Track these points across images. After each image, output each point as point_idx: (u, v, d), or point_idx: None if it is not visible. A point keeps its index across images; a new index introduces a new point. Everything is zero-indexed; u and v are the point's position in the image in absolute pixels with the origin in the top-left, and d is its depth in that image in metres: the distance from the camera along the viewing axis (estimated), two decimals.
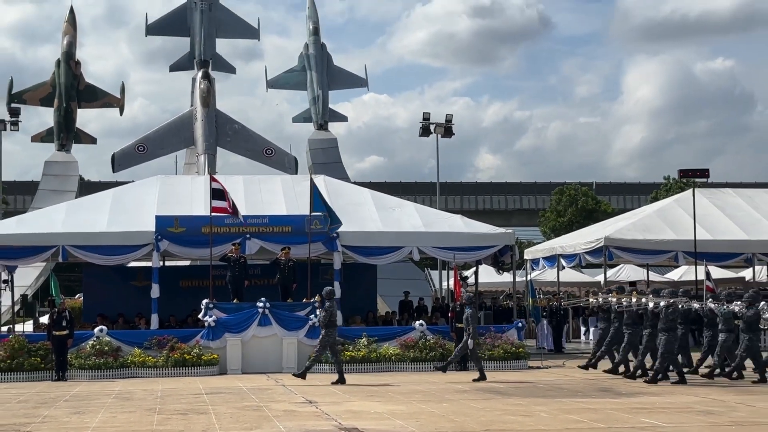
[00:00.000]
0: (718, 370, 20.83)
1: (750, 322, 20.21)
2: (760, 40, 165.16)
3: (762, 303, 21.17)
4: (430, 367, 23.87)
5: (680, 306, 20.79)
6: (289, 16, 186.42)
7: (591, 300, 24.86)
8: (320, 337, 21.27)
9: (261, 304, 24.53)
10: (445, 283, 38.93)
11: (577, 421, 13.86)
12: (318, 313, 21.75)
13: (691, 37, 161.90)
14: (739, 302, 20.66)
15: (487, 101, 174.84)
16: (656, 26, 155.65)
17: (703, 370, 21.27)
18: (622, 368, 21.64)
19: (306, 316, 24.55)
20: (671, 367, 20.25)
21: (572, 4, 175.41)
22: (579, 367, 23.04)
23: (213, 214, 24.80)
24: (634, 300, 21.25)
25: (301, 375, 21.01)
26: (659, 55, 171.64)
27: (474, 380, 20.80)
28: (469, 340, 21.59)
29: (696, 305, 21.55)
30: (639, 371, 20.79)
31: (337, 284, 25.74)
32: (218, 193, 24.67)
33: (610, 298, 22.15)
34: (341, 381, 20.55)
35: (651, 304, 20.63)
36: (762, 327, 21.48)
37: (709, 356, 21.48)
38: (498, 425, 13.53)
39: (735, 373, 20.51)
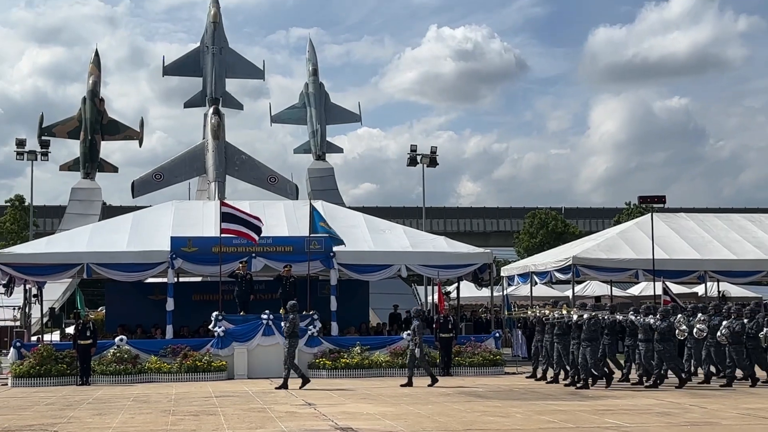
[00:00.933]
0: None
1: (663, 332, 20.10)
2: (711, 81, 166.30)
3: (679, 316, 21.10)
4: (418, 373, 23.73)
5: (602, 318, 20.61)
6: (291, 59, 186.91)
7: (529, 313, 24.74)
8: (286, 347, 20.98)
9: (265, 316, 24.51)
10: (430, 298, 38.83)
11: (549, 422, 13.83)
12: (283, 324, 21.43)
13: (650, 78, 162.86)
14: (653, 315, 20.55)
15: (469, 134, 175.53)
16: (619, 68, 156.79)
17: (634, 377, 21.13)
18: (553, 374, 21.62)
19: (305, 327, 24.51)
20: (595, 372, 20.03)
21: (545, 49, 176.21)
22: (526, 377, 22.94)
23: (222, 235, 24.78)
24: (565, 312, 21.15)
25: (282, 386, 20.53)
26: (622, 94, 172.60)
27: (429, 385, 20.54)
28: (416, 349, 21.25)
29: (619, 317, 21.24)
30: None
31: (333, 298, 25.81)
32: (228, 216, 24.69)
33: (544, 311, 22.05)
34: (306, 382, 20.40)
35: (575, 317, 20.54)
36: (679, 337, 21.35)
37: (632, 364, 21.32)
38: (478, 425, 13.50)
39: (658, 380, 20.30)
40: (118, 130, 50.61)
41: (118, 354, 23.67)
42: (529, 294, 35.42)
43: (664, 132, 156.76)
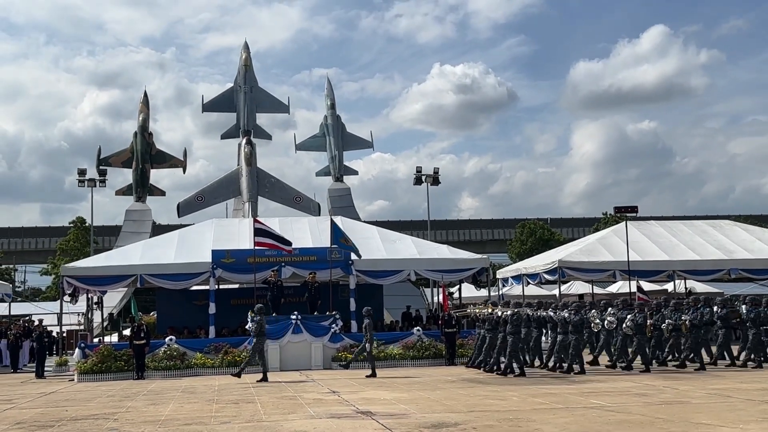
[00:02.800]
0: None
1: (576, 325, 19.92)
2: (677, 107, 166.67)
3: (593, 311, 21.11)
4: (427, 363, 23.73)
5: (524, 314, 20.33)
6: (314, 95, 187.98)
7: (468, 310, 24.44)
8: (252, 344, 20.72)
9: (294, 317, 24.48)
10: (436, 298, 38.75)
11: (541, 403, 13.74)
12: (250, 325, 20.87)
13: (623, 105, 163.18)
14: (567, 310, 20.36)
15: (467, 157, 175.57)
16: (597, 97, 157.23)
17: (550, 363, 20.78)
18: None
19: (329, 325, 24.49)
20: (515, 362, 19.71)
21: (532, 82, 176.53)
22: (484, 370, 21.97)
23: (256, 248, 24.80)
24: (491, 310, 20.91)
25: (237, 374, 20.29)
26: (599, 119, 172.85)
27: (367, 376, 20.23)
28: (367, 344, 20.96)
29: (543, 313, 20.96)
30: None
31: (352, 300, 25.77)
32: (260, 232, 24.72)
33: (479, 309, 21.75)
34: (264, 379, 19.97)
35: (499, 313, 20.27)
36: (595, 330, 21.17)
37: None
38: (480, 407, 13.42)
39: (574, 367, 19.97)
40: (165, 160, 50.85)
41: (168, 352, 23.67)
42: (521, 293, 35.35)
43: (636, 151, 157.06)
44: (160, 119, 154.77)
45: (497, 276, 37.53)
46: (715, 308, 21.20)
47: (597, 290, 41.02)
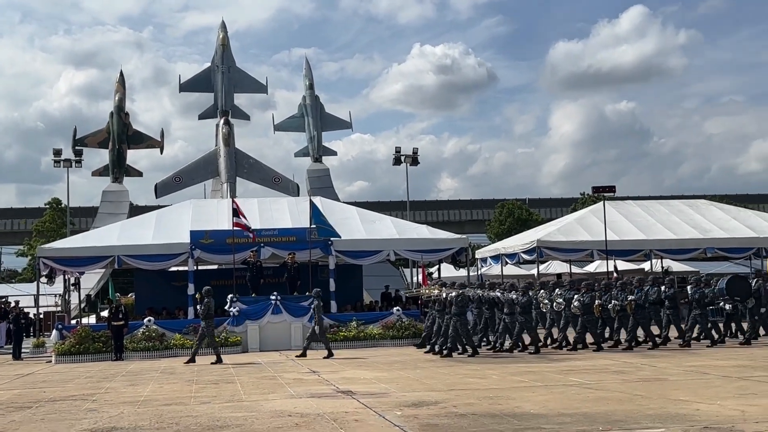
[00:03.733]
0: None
1: (524, 306, 19.90)
2: (654, 87, 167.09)
3: (541, 291, 21.24)
4: (406, 342, 23.77)
5: (470, 295, 20.38)
6: (294, 75, 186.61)
7: (421, 291, 24.30)
8: (200, 328, 20.51)
9: (273, 297, 24.45)
10: (415, 278, 38.83)
11: (521, 381, 13.83)
12: (198, 308, 20.66)
13: (602, 85, 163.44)
14: (515, 291, 20.38)
15: (447, 137, 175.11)
16: (576, 78, 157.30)
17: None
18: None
19: (308, 306, 24.47)
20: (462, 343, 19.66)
21: (512, 63, 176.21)
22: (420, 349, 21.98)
23: (235, 228, 24.70)
24: (437, 291, 20.60)
25: (191, 359, 20.15)
26: (578, 100, 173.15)
27: (324, 357, 20.03)
28: (315, 326, 20.91)
29: (493, 293, 20.86)
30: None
31: (332, 281, 25.72)
32: (236, 213, 24.64)
33: (428, 291, 21.47)
34: (219, 361, 19.73)
35: (444, 295, 20.13)
36: (543, 310, 21.29)
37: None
38: (460, 386, 13.48)
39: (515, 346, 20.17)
40: (141, 140, 50.45)
41: (147, 333, 23.57)
42: (500, 273, 35.49)
43: (614, 132, 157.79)
44: (137, 99, 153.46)
45: (476, 256, 37.64)
46: (662, 288, 21.32)
47: (575, 269, 41.24)
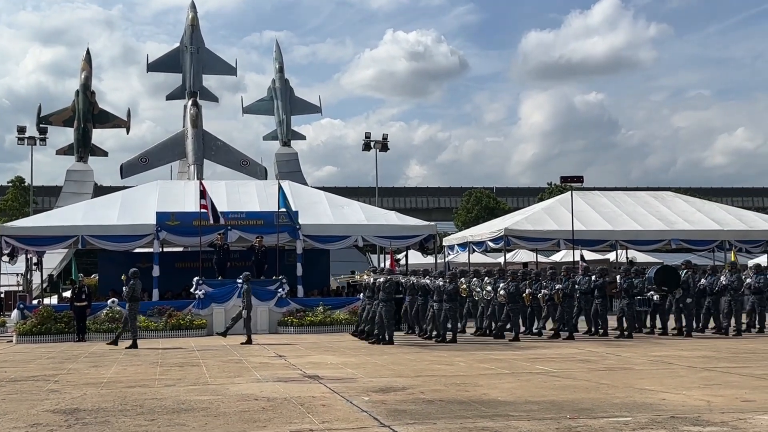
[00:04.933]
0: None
1: (450, 294, 19.79)
2: (623, 79, 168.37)
3: (474, 280, 21.18)
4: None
5: (398, 282, 20.25)
6: (265, 58, 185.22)
7: (357, 277, 24.24)
8: (126, 310, 20.26)
9: (240, 281, 24.22)
10: (383, 264, 38.79)
11: (488, 369, 13.84)
12: (124, 289, 20.31)
13: (572, 76, 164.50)
14: (442, 278, 20.27)
15: (417, 124, 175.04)
16: (546, 68, 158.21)
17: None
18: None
19: (275, 290, 24.36)
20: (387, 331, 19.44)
21: (483, 51, 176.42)
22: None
23: (201, 210, 24.47)
24: (366, 277, 20.77)
25: (113, 342, 19.97)
26: (548, 90, 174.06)
27: (242, 343, 19.83)
28: (243, 311, 20.80)
29: (424, 280, 20.64)
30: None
31: (299, 265, 25.61)
32: (203, 195, 24.43)
33: (360, 277, 21.40)
34: (134, 346, 19.36)
35: (371, 281, 19.99)
36: (476, 298, 21.30)
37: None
38: (428, 372, 13.46)
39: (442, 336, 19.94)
40: (107, 119, 49.87)
41: (110, 314, 23.27)
42: (467, 261, 35.61)
43: (583, 123, 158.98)
44: (106, 79, 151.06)
45: (443, 244, 37.70)
46: (593, 277, 21.51)
47: (541, 259, 41.53)
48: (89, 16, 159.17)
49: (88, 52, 50.61)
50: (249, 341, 20.25)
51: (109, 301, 23.89)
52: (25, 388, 12.22)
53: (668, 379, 12.09)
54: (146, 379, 13.12)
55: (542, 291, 20.92)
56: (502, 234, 30.79)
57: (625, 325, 20.82)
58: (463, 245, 35.09)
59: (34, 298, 29.17)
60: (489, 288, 20.81)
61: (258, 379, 12.72)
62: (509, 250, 35.44)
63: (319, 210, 27.92)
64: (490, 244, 32.42)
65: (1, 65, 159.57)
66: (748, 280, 21.55)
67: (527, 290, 20.85)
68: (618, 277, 21.89)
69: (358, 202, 32.05)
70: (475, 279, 21.37)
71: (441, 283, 20.04)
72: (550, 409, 9.40)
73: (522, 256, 42.20)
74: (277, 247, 25.16)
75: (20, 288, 32.77)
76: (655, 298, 20.77)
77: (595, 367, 13.94)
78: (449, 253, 38.26)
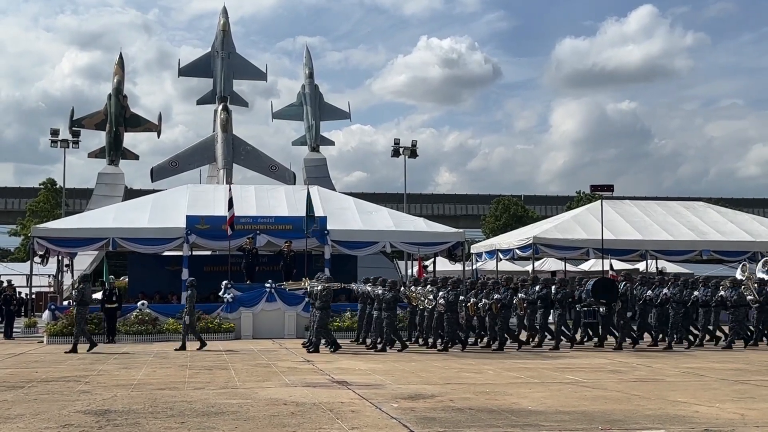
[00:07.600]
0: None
1: (389, 302, 19.60)
2: (657, 88, 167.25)
3: (418, 288, 20.55)
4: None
5: (334, 289, 19.93)
6: (297, 63, 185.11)
7: (292, 285, 23.63)
8: (76, 313, 19.87)
9: (268, 285, 24.34)
10: (410, 271, 38.72)
11: (517, 377, 13.75)
12: (74, 293, 20.01)
13: (605, 84, 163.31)
14: (381, 287, 20.01)
15: (447, 131, 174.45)
16: (580, 76, 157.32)
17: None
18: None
19: (302, 294, 24.35)
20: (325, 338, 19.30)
21: (516, 58, 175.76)
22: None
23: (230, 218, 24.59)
24: (306, 285, 20.34)
25: (72, 350, 19.33)
26: (581, 98, 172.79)
27: (197, 349, 19.61)
28: (186, 316, 20.49)
29: (367, 288, 20.60)
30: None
31: (327, 270, 25.53)
32: (232, 201, 24.61)
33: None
34: (74, 350, 19.18)
35: (315, 289, 19.54)
36: (420, 307, 20.53)
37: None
38: (456, 380, 13.40)
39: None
40: (139, 123, 50.23)
41: (140, 316, 23.46)
42: (494, 268, 35.44)
43: (615, 131, 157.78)
44: (140, 83, 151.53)
45: (471, 251, 37.56)
46: (552, 288, 21.28)
47: (570, 267, 41.22)
48: (127, 20, 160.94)
49: (121, 56, 51.08)
50: (202, 345, 19.94)
51: (139, 303, 24.07)
52: (56, 388, 12.32)
53: (701, 391, 11.93)
54: (176, 381, 13.18)
55: (483, 300, 20.47)
56: (530, 242, 30.59)
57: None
58: (491, 253, 34.92)
59: (65, 300, 29.46)
60: (431, 296, 20.33)
61: (286, 384, 12.73)
62: (537, 259, 35.23)
63: (347, 216, 27.95)
64: (518, 252, 32.23)
65: (37, 68, 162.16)
66: (722, 292, 21.28)
67: (472, 299, 20.51)
68: (553, 287, 21.62)
69: (387, 208, 32.05)
70: (419, 288, 20.88)
71: (380, 291, 19.92)
72: (581, 419, 9.31)
73: (550, 264, 41.90)
74: (306, 252, 25.20)
75: (51, 289, 33.13)
76: (601, 310, 20.55)
77: (626, 378, 13.79)
78: (477, 261, 38.13)
